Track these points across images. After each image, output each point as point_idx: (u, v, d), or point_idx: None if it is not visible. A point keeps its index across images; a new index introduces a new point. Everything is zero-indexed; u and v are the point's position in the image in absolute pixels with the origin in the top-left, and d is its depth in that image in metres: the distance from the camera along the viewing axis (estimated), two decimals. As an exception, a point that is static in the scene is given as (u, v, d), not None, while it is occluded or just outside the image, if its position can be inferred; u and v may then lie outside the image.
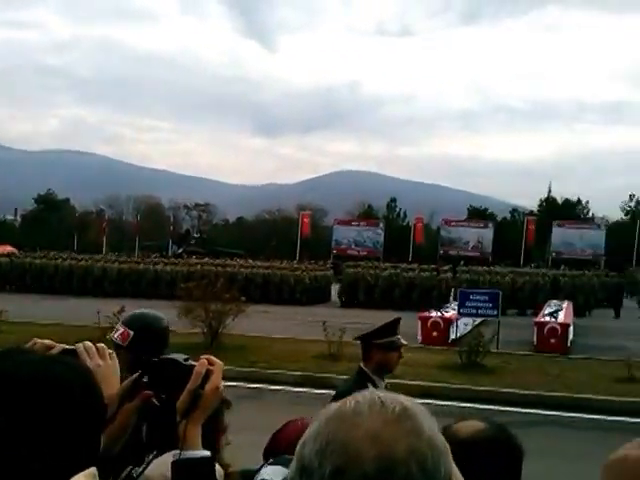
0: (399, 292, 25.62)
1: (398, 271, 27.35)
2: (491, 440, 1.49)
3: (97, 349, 1.48)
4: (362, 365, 3.50)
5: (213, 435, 1.44)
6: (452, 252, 44.52)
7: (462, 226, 47.81)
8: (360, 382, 3.27)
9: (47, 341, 1.39)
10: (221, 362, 1.42)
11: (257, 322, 15.60)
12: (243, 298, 14.36)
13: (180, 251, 46.87)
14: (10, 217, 73.60)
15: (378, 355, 3.42)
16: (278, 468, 1.65)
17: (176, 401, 1.33)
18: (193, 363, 1.36)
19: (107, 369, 1.45)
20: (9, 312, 15.18)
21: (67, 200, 71.50)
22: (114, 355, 1.50)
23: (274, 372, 11.49)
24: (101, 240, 45.61)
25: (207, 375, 1.35)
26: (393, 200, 63.69)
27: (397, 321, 3.62)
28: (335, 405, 0.85)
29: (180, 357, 1.40)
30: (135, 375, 1.43)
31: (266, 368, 11.73)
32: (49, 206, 66.50)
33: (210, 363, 1.39)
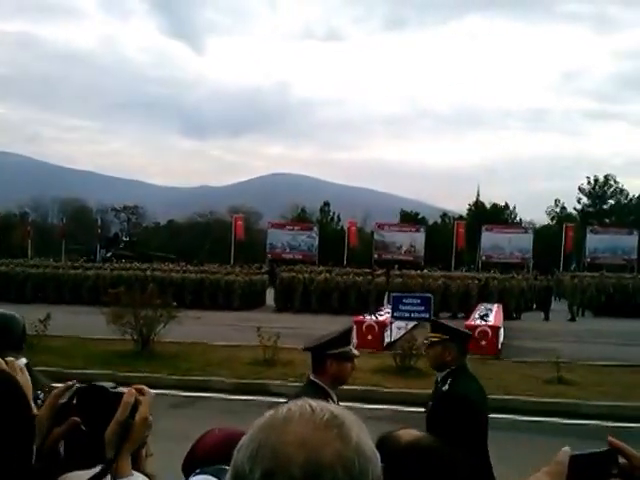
0: (336, 296, 25.65)
1: (333, 275, 27.40)
2: (430, 449, 1.49)
3: (6, 363, 1.40)
4: (313, 377, 3.28)
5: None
6: (386, 256, 45.07)
7: (395, 230, 48.51)
8: (314, 395, 3.11)
9: None
10: (152, 392, 1.36)
11: (190, 328, 15.25)
12: (175, 303, 14.07)
13: (109, 255, 45.59)
14: None
15: (333, 366, 3.20)
16: (205, 478, 1.60)
17: (101, 430, 1.29)
18: (122, 391, 1.31)
19: (24, 383, 1.37)
20: None
21: (-13, 202, 68.38)
22: (25, 369, 1.44)
23: (207, 379, 11.25)
24: (26, 244, 43.90)
25: (136, 405, 1.30)
26: (327, 204, 64.11)
27: (350, 330, 3.45)
28: (268, 412, 0.88)
29: (108, 385, 1.35)
30: (65, 399, 1.36)
31: (199, 375, 11.48)
32: (-33, 208, 63.43)
33: (140, 392, 1.33)
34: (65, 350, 13.23)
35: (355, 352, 3.33)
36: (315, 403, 0.89)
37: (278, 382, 10.98)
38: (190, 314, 16.24)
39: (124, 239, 56.29)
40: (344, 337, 3.32)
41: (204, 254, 48.36)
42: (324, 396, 3.03)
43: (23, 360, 2.91)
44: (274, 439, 0.83)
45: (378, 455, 0.87)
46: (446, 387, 3.64)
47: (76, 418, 1.34)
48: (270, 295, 28.02)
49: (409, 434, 1.52)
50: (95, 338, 14.51)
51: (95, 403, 1.32)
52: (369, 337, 15.00)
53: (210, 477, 1.61)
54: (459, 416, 3.36)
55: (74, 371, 10.75)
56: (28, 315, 12.06)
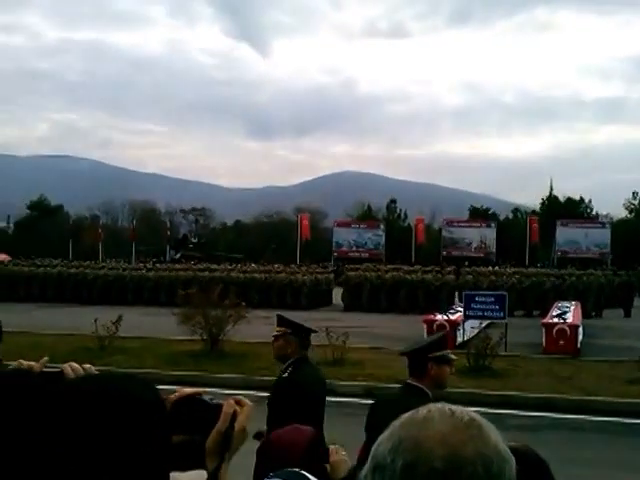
0: (404, 295, 25.17)
1: (401, 273, 26.93)
2: (523, 453, 1.49)
3: (84, 370, 1.43)
4: (411, 380, 3.32)
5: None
6: (455, 253, 44.24)
7: (464, 226, 47.56)
8: (414, 397, 3.10)
9: (32, 362, 1.40)
10: (251, 403, 1.39)
11: (258, 328, 15.21)
12: (243, 303, 14.05)
13: (178, 256, 46.56)
14: (2, 224, 72.99)
15: (433, 370, 3.27)
16: None
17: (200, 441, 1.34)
18: (220, 402, 1.34)
19: None
20: (8, 322, 14.73)
21: (61, 206, 70.99)
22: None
23: (275, 379, 11.09)
24: (97, 247, 45.26)
25: (234, 415, 1.34)
26: (393, 201, 63.16)
27: (447, 334, 3.72)
28: (407, 414, 0.92)
29: (207, 397, 1.37)
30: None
31: (268, 375, 11.34)
32: (43, 212, 65.99)
33: (239, 404, 1.36)
34: (136, 351, 13.41)
35: (452, 356, 3.43)
36: (454, 407, 0.91)
37: (347, 382, 10.76)
38: (258, 314, 16.28)
39: (193, 240, 57.40)
40: (443, 341, 3.46)
41: (270, 254, 48.69)
42: (424, 398, 2.98)
43: None
44: (416, 434, 0.86)
45: (513, 459, 0.89)
46: (285, 375, 3.91)
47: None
48: (336, 294, 27.89)
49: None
50: (165, 338, 14.66)
51: (196, 416, 1.35)
52: (440, 337, 14.57)
53: None
54: (296, 401, 3.56)
55: (145, 370, 10.82)
56: (101, 316, 12.31)
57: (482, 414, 0.96)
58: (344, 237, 47.09)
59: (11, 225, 71.24)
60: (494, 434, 0.89)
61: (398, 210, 62.75)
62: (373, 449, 0.91)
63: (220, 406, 1.34)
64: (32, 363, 1.41)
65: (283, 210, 67.82)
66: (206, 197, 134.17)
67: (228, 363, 12.25)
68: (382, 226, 49.01)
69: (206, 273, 28.14)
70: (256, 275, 27.71)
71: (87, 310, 20.52)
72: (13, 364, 1.45)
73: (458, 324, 14.96)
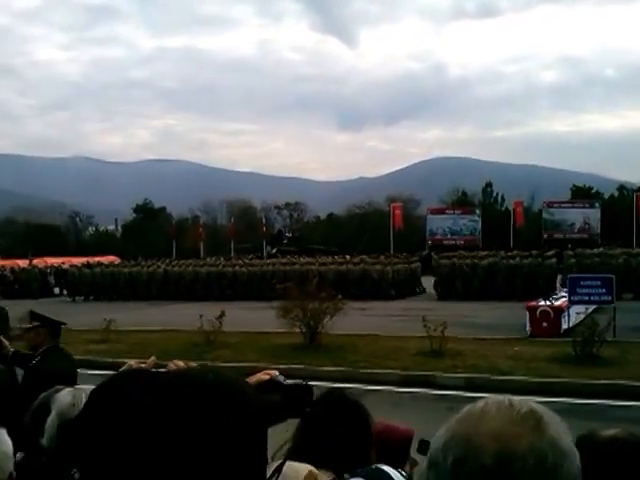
0: (501, 281, 24.47)
1: (498, 259, 26.18)
2: (631, 443, 1.42)
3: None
4: None
5: None
6: (557, 235, 42.47)
7: (566, 207, 45.49)
8: None
9: (142, 364, 1.50)
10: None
11: (355, 320, 15.33)
12: (340, 296, 14.14)
13: (274, 251, 47.47)
14: (111, 227, 77.41)
15: None
16: None
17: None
18: (296, 383, 1.39)
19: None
20: (118, 321, 15.63)
21: (164, 208, 74.16)
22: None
23: (375, 371, 11.12)
24: (198, 245, 46.84)
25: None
26: (489, 185, 60.65)
27: None
28: (465, 408, 0.90)
29: (281, 378, 1.43)
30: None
31: (366, 367, 11.39)
32: (147, 215, 69.24)
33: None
34: (238, 345, 13.83)
35: None
36: (514, 398, 0.89)
37: (447, 374, 10.60)
38: (355, 305, 16.34)
39: (287, 235, 58.30)
40: None
41: (363, 245, 48.66)
42: None
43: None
44: (468, 430, 0.85)
45: (577, 453, 0.85)
46: (33, 362, 4.33)
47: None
48: (425, 283, 27.54)
49: (609, 431, 1.48)
50: (265, 332, 15.01)
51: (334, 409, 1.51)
52: (544, 324, 14.04)
53: None
54: (44, 386, 3.47)
55: (248, 364, 11.12)
56: (205, 312, 12.74)
57: (588, 405, 0.94)
58: (438, 225, 46.23)
59: (119, 228, 75.47)
60: (555, 427, 0.85)
61: (494, 194, 60.25)
62: (431, 445, 0.90)
63: (294, 387, 1.37)
64: (142, 364, 1.49)
65: (375, 200, 67.44)
66: (299, 192, 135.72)
67: (327, 356, 12.38)
68: (478, 211, 47.68)
69: (296, 266, 28.49)
70: (350, 267, 27.80)
71: (190, 306, 21.37)
72: (127, 364, 1.58)
73: (563, 310, 14.40)
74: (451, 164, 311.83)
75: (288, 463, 1.40)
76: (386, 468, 1.69)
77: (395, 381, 10.64)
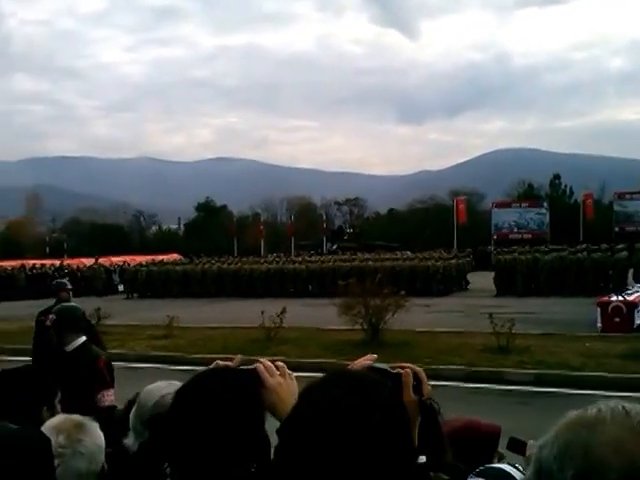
0: (571, 276, 23.61)
1: (564, 254, 25.31)
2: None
3: (277, 368, 1.55)
4: None
5: None
6: (629, 228, 40.78)
7: (639, 198, 43.64)
8: None
9: (227, 362, 1.55)
10: (420, 369, 1.38)
11: (418, 316, 15.13)
12: (402, 292, 13.98)
13: (334, 247, 47.48)
14: (174, 226, 79.15)
15: None
16: None
17: None
18: (400, 371, 1.34)
19: (288, 388, 1.51)
20: (181, 317, 15.89)
21: (225, 206, 75.26)
22: (293, 375, 1.56)
23: (440, 367, 10.91)
24: (259, 243, 47.31)
25: (419, 383, 1.34)
26: (557, 176, 58.39)
27: None
28: (575, 412, 0.85)
29: (384, 366, 1.39)
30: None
31: (430, 363, 11.18)
32: (209, 213, 70.37)
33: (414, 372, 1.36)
34: (300, 341, 13.84)
35: None
36: (628, 405, 0.83)
37: (514, 370, 10.33)
38: (417, 302, 16.13)
39: (348, 231, 58.21)
40: None
41: (425, 240, 48.06)
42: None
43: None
44: (585, 438, 0.79)
45: None
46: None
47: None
48: (476, 279, 27.10)
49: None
50: (326, 329, 14.99)
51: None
52: (616, 319, 13.48)
53: None
54: None
55: (308, 360, 11.11)
56: (266, 309, 12.81)
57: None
58: (504, 218, 45.15)
59: (181, 227, 77.14)
60: None
61: (563, 186, 57.96)
62: (536, 451, 0.84)
63: (400, 375, 1.32)
64: (228, 363, 1.55)
65: (437, 195, 66.48)
66: (359, 187, 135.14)
67: (390, 352, 12.21)
68: (545, 204, 46.34)
69: (355, 263, 28.39)
70: (399, 263, 27.52)
71: (250, 303, 21.60)
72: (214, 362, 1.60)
73: (636, 305, 13.78)
74: (516, 156, 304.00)
75: None
76: (506, 467, 1.63)
77: (461, 377, 10.42)
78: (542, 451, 0.83)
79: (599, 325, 13.73)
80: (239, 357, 1.59)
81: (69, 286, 7.86)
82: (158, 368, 11.47)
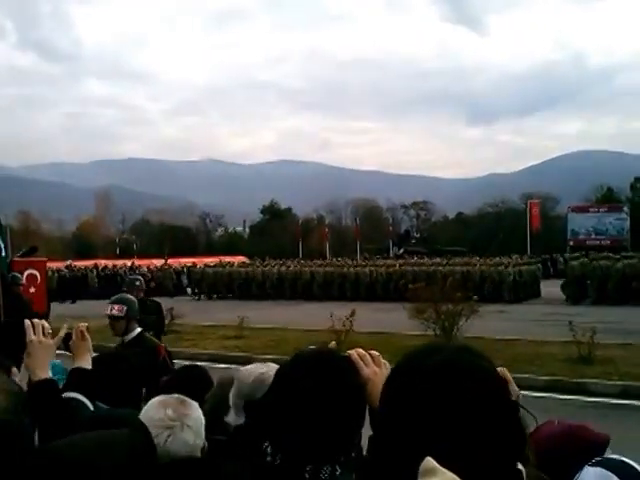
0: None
1: (635, 261, 23.87)
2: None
3: (372, 357, 1.55)
4: None
5: None
6: None
7: None
8: None
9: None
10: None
11: (493, 323, 14.67)
12: (475, 297, 13.60)
13: (401, 252, 46.95)
14: (239, 228, 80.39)
15: None
16: (603, 473, 1.41)
17: None
18: None
19: (383, 377, 1.43)
20: (250, 318, 15.99)
21: (289, 209, 75.90)
22: (388, 365, 1.54)
23: (518, 376, 10.42)
24: (324, 246, 47.25)
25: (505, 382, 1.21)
26: (638, 180, 56.00)
27: None
28: None
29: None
30: None
31: (510, 372, 10.71)
32: (274, 216, 71.15)
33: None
34: (371, 344, 13.49)
35: None
36: None
37: (597, 380, 9.80)
38: (490, 308, 15.64)
39: (415, 235, 57.55)
40: None
41: (496, 245, 46.88)
42: None
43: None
44: None
45: None
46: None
47: None
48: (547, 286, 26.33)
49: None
50: (397, 333, 14.69)
51: None
52: None
53: (607, 472, 1.43)
54: None
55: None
56: (335, 312, 12.61)
57: None
58: (581, 224, 43.49)
59: (247, 229, 78.19)
60: None
61: (645, 190, 55.55)
62: None
63: None
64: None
65: (509, 198, 64.79)
66: (426, 190, 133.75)
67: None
68: (626, 209, 44.44)
69: (424, 267, 27.85)
70: (469, 268, 26.79)
71: (315, 306, 21.61)
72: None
73: None
74: (594, 158, 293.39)
75: None
76: (627, 460, 1.50)
77: (541, 387, 9.95)
78: None
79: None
80: (333, 343, 1.60)
81: (139, 284, 8.03)
82: (231, 368, 11.44)
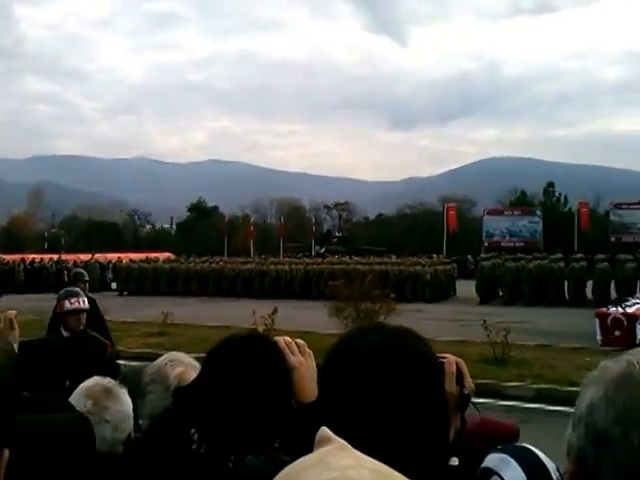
0: (550, 285, 23.09)
1: (546, 262, 24.52)
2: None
3: (298, 346, 1.52)
4: None
5: None
6: (626, 239, 40.67)
7: (636, 209, 43.47)
8: None
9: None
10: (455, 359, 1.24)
11: (409, 322, 14.65)
12: (392, 295, 13.68)
13: (323, 250, 47.19)
14: (166, 225, 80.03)
15: None
16: (504, 457, 1.35)
17: None
18: (442, 360, 1.24)
19: (308, 367, 1.47)
20: (174, 315, 15.87)
21: (216, 207, 75.44)
22: (312, 355, 1.52)
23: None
24: (248, 244, 47.05)
25: (460, 374, 1.24)
26: (551, 184, 58.01)
27: None
28: (616, 368, 0.81)
29: None
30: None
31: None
32: (200, 214, 70.46)
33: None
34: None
35: None
36: None
37: (513, 383, 9.93)
38: (408, 307, 15.76)
39: (336, 235, 57.98)
40: None
41: (414, 246, 47.83)
42: None
43: None
44: None
45: None
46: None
47: None
48: (462, 286, 26.98)
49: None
50: (317, 332, 14.55)
51: None
52: (616, 333, 13.08)
53: (508, 457, 1.37)
54: None
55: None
56: (257, 309, 12.36)
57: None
58: (495, 226, 44.96)
59: (174, 226, 77.36)
60: None
61: (557, 194, 57.45)
62: (584, 415, 0.77)
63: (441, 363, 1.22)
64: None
65: (427, 201, 66.33)
66: (348, 192, 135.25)
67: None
68: (539, 212, 46.18)
69: (342, 266, 27.92)
70: (389, 267, 27.15)
71: (237, 303, 21.64)
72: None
73: (638, 318, 13.39)
74: (508, 164, 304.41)
75: None
76: (531, 447, 1.45)
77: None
78: (594, 415, 0.76)
79: (599, 338, 13.31)
80: (260, 330, 1.81)
81: (87, 278, 7.86)
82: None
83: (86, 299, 4.91)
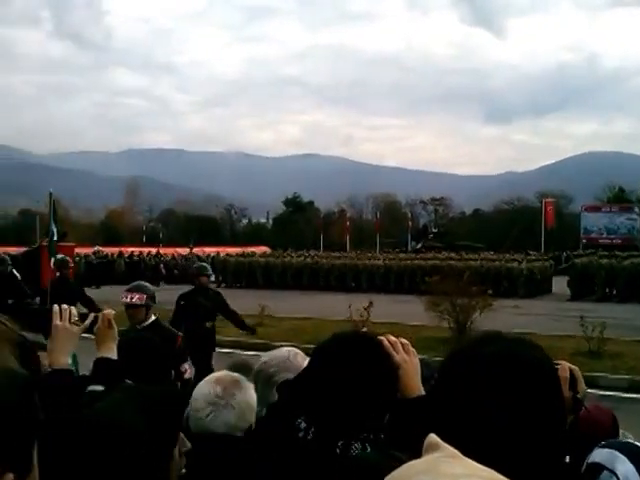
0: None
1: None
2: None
3: (402, 345, 1.59)
4: None
5: None
6: None
7: None
8: None
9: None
10: (569, 365, 1.38)
11: (507, 317, 15.02)
12: (490, 291, 13.88)
13: (419, 246, 47.20)
14: (263, 220, 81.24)
15: None
16: (612, 452, 1.41)
17: None
18: (557, 366, 1.28)
19: (412, 365, 1.56)
20: (270, 307, 16.41)
21: (312, 202, 76.32)
22: (416, 353, 1.62)
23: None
24: (344, 239, 47.66)
25: (574, 379, 1.34)
26: None
27: None
28: None
29: None
30: None
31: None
32: (296, 208, 71.66)
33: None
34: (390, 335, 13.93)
35: None
36: None
37: (607, 375, 10.19)
38: (505, 303, 15.91)
39: (433, 230, 57.77)
40: None
41: (511, 242, 47.02)
42: None
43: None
44: None
45: None
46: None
47: None
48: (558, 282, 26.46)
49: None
50: (413, 324, 15.09)
51: None
52: None
53: (616, 452, 1.43)
54: None
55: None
56: (353, 302, 13.01)
57: None
58: (593, 223, 43.55)
59: (270, 221, 78.93)
60: None
61: (657, 191, 55.71)
62: None
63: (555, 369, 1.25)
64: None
65: (525, 196, 64.73)
66: (444, 186, 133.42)
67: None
68: (637, 209, 44.38)
69: (437, 262, 27.87)
70: (484, 263, 27.06)
71: (332, 297, 22.05)
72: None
73: None
74: (606, 159, 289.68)
75: None
76: (635, 442, 1.56)
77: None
78: None
79: None
80: (365, 329, 1.78)
81: (210, 271, 7.92)
82: (250, 355, 11.93)
83: (145, 295, 5.00)
